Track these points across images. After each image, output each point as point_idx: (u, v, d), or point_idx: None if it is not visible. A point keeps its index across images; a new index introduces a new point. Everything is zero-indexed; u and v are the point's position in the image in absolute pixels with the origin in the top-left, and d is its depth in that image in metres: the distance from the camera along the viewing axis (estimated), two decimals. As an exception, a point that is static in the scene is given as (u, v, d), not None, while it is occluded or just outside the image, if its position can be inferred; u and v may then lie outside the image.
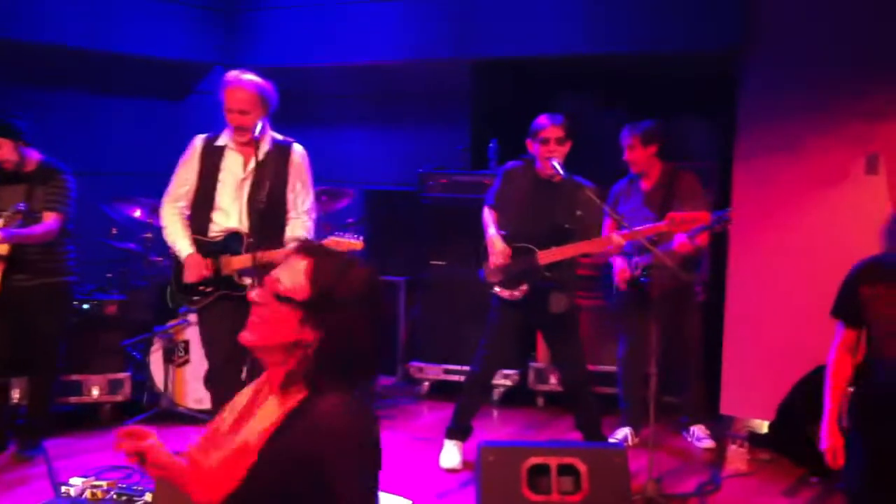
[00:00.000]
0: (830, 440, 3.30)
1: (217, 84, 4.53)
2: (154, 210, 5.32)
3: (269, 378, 2.12)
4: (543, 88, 6.84)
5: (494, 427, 5.76)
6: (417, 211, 6.47)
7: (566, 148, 4.76)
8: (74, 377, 5.45)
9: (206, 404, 5.52)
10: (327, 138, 7.36)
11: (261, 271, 4.23)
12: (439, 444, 5.01)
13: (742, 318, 5.64)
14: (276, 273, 2.09)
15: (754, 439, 5.30)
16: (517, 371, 6.13)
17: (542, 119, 4.79)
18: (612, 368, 5.86)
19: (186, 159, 4.41)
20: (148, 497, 3.89)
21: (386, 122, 7.28)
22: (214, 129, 4.50)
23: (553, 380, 5.98)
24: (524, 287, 4.78)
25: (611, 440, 5.29)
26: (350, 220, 6.23)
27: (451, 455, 4.95)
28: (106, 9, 6.20)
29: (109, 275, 6.00)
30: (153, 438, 2.14)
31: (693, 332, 5.45)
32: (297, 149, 4.45)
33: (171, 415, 5.52)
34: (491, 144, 6.37)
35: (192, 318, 5.40)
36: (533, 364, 6.13)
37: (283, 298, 2.05)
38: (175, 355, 5.67)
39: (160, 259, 5.83)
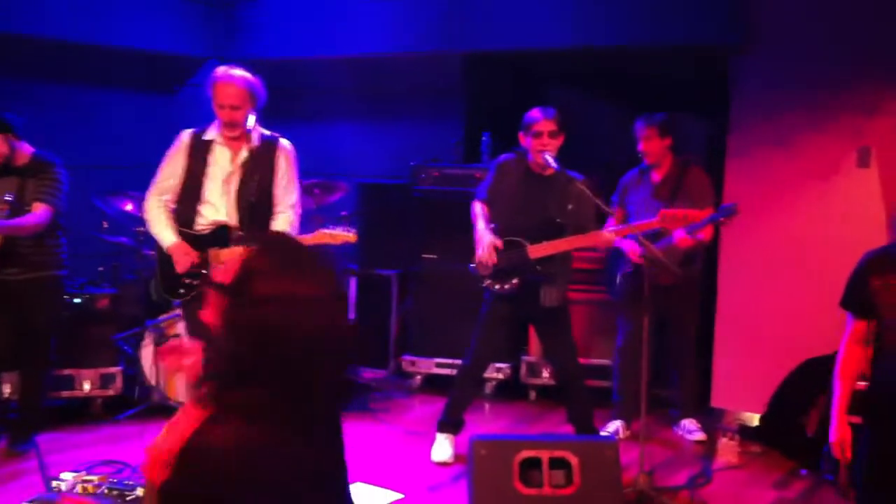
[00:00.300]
0: (839, 433, 3.27)
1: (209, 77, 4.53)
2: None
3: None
4: (536, 82, 6.85)
5: (486, 420, 5.77)
6: (410, 204, 6.46)
7: (559, 141, 4.77)
8: (66, 371, 5.44)
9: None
10: (320, 131, 7.35)
11: None
12: (431, 438, 5.02)
13: (733, 311, 5.67)
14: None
15: (745, 432, 5.32)
16: (509, 365, 6.14)
17: (535, 112, 4.79)
18: (605, 362, 5.90)
19: (173, 153, 4.43)
20: (139, 491, 3.89)
21: (379, 115, 7.27)
22: (207, 122, 4.50)
23: (545, 373, 5.99)
24: (515, 281, 4.79)
25: (602, 433, 5.31)
26: (343, 214, 6.23)
27: (442, 448, 4.96)
28: (98, 2, 6.18)
29: (101, 268, 5.99)
30: None
31: (691, 326, 5.47)
32: (285, 143, 4.47)
33: (162, 409, 5.50)
34: (483, 138, 6.37)
35: (184, 312, 5.40)
36: (525, 358, 6.14)
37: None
38: (167, 349, 5.66)
39: (152, 253, 5.81)
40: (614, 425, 5.42)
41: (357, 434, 5.06)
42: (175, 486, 1.74)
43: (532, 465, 3.94)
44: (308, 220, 5.74)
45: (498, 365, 6.07)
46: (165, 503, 1.75)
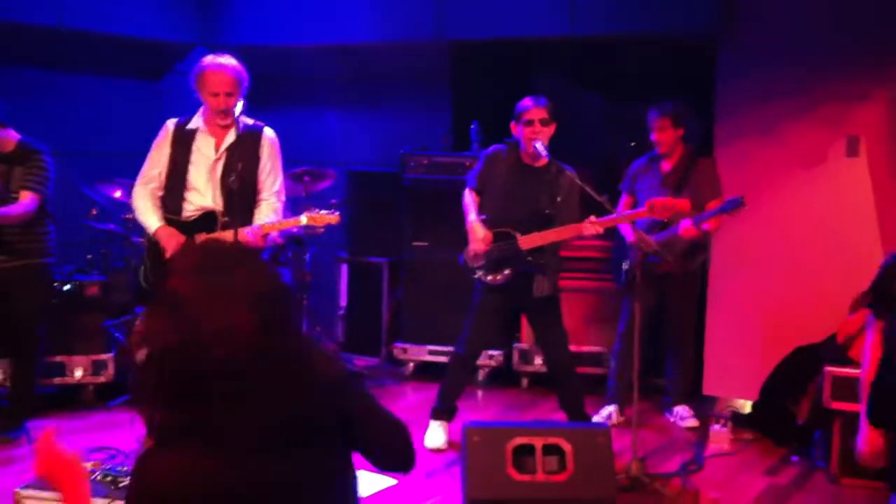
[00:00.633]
0: (870, 444, 3.18)
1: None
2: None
3: None
4: (524, 71, 6.83)
5: (479, 407, 5.78)
6: (400, 192, 6.45)
7: (550, 130, 4.77)
8: (57, 359, 5.42)
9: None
10: (309, 119, 7.33)
11: None
12: (424, 425, 5.02)
13: (724, 299, 5.68)
14: None
15: (737, 419, 5.34)
16: (501, 352, 6.15)
17: (526, 101, 4.79)
18: (598, 349, 5.93)
19: (158, 143, 4.49)
20: (132, 478, 3.88)
21: (368, 102, 7.25)
22: (195, 109, 4.53)
23: (537, 361, 6.00)
24: (507, 272, 4.80)
25: (595, 418, 5.34)
26: (333, 201, 6.20)
27: (436, 435, 4.96)
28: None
29: (90, 256, 5.96)
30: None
31: (690, 314, 5.49)
32: (268, 132, 4.53)
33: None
34: (473, 126, 6.36)
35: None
36: (517, 345, 6.14)
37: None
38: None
39: (142, 240, 5.79)
40: (608, 410, 5.44)
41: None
42: None
43: (525, 451, 3.95)
44: (297, 208, 5.72)
45: (490, 352, 6.07)
46: None
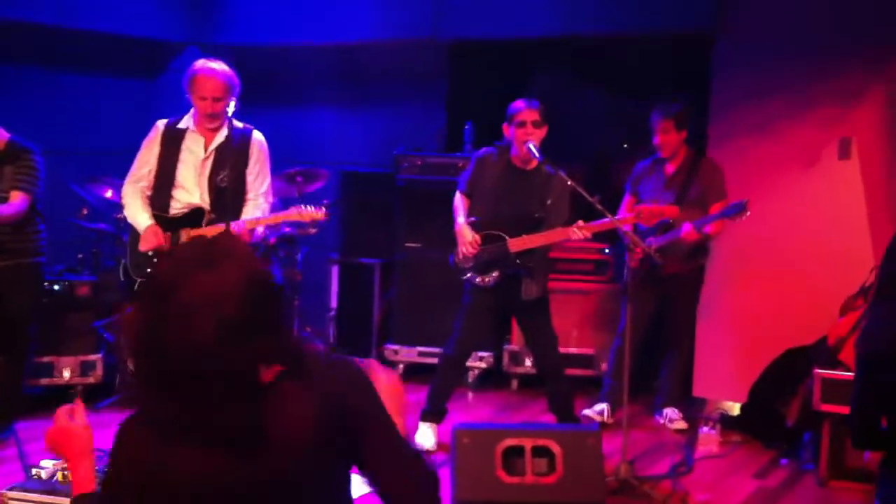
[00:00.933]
0: None
1: (190, 64, 4.57)
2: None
3: None
4: (520, 71, 6.83)
5: (469, 409, 5.78)
6: (392, 193, 6.44)
7: (542, 132, 4.77)
8: (46, 359, 5.40)
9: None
10: (302, 119, 7.31)
11: None
12: (414, 427, 5.02)
13: (714, 300, 5.68)
14: None
15: (726, 421, 5.35)
16: (492, 354, 6.15)
17: (519, 103, 4.80)
18: (589, 351, 5.94)
19: (148, 142, 4.56)
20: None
21: (361, 102, 7.24)
22: (188, 108, 4.57)
23: (528, 362, 6.00)
24: (496, 274, 4.81)
25: (587, 412, 5.37)
26: (325, 202, 6.18)
27: (425, 437, 4.96)
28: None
29: (80, 255, 5.94)
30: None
31: (689, 317, 5.49)
32: (257, 135, 4.60)
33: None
34: (466, 127, 6.35)
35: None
36: (507, 347, 6.14)
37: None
38: (147, 337, 5.62)
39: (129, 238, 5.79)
40: (601, 406, 5.44)
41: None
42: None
43: (515, 453, 3.94)
44: (289, 208, 5.71)
45: (480, 354, 6.08)
46: None
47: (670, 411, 5.51)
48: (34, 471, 4.01)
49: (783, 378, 5.11)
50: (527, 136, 4.72)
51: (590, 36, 5.96)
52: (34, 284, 5.05)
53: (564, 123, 5.06)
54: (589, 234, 4.72)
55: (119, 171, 5.67)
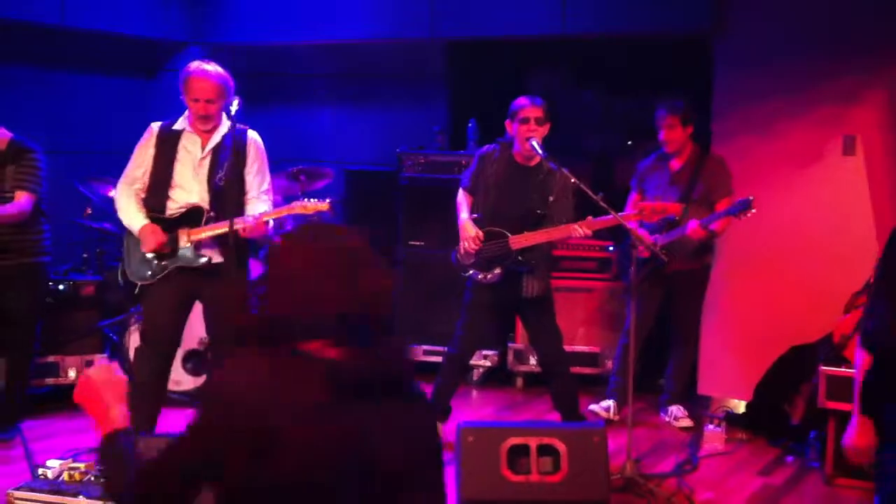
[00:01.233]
0: (860, 440, 3.01)
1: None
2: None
3: None
4: (520, 69, 6.83)
5: (473, 407, 5.78)
6: (395, 191, 6.45)
7: (545, 129, 4.77)
8: (51, 358, 5.40)
9: (185, 385, 5.51)
10: (305, 117, 7.32)
11: (222, 242, 4.33)
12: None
13: (718, 298, 5.67)
14: None
15: (731, 419, 5.34)
16: (496, 352, 6.15)
17: (522, 100, 4.80)
18: (593, 349, 5.94)
19: (142, 144, 4.51)
20: (126, 479, 3.87)
21: (364, 101, 7.25)
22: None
23: (532, 360, 6.00)
24: (498, 270, 4.81)
25: (593, 407, 5.38)
26: (329, 199, 6.19)
27: (430, 435, 4.95)
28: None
29: (85, 255, 5.95)
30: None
31: (695, 314, 5.49)
32: (253, 134, 4.57)
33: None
34: (470, 125, 6.35)
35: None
36: (512, 345, 6.14)
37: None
38: (152, 336, 5.62)
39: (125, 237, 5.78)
40: (607, 403, 5.45)
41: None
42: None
43: (520, 452, 3.93)
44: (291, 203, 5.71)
45: (485, 352, 6.08)
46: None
47: (675, 409, 5.50)
48: (40, 470, 4.01)
49: (788, 376, 5.11)
50: (529, 133, 4.72)
51: (590, 35, 5.96)
52: (38, 284, 5.05)
53: (563, 122, 5.05)
54: (590, 232, 4.72)
55: (122, 170, 5.68)
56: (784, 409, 5.04)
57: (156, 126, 4.53)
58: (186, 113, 4.48)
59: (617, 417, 5.38)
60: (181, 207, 4.43)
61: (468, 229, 4.83)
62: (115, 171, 5.83)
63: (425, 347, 6.27)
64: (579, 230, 4.68)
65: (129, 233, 4.46)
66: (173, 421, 5.09)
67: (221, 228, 4.32)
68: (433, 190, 6.18)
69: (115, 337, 5.68)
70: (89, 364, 5.51)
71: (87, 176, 5.93)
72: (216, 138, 4.46)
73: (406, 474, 1.93)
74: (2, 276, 4.82)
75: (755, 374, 5.30)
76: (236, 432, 1.78)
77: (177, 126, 4.49)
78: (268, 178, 4.61)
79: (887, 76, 5.24)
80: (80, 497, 3.76)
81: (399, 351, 2.01)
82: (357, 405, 1.86)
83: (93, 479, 3.92)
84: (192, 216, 4.42)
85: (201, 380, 5.54)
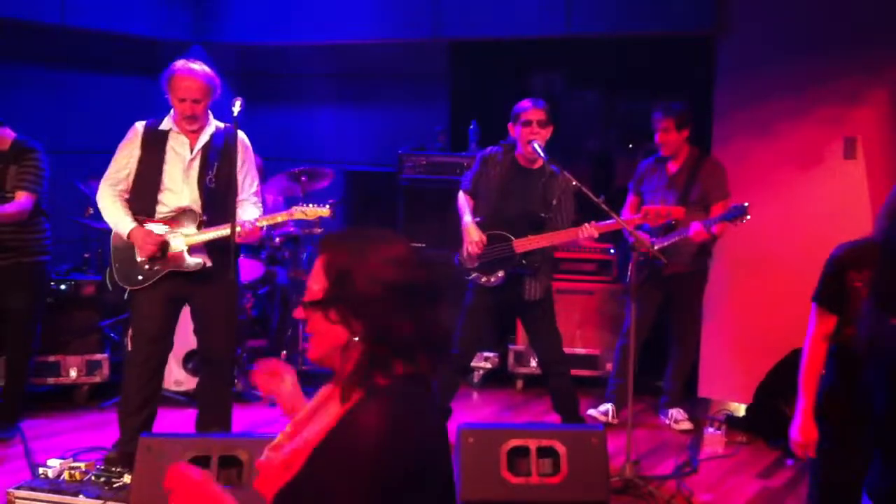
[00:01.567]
0: (804, 434, 3.16)
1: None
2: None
3: (334, 384, 1.96)
4: (521, 69, 6.84)
5: (474, 409, 5.78)
6: (396, 192, 6.45)
7: (548, 132, 4.78)
8: (52, 358, 5.41)
9: (186, 386, 5.51)
10: (306, 118, 7.33)
11: (213, 245, 4.29)
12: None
13: (719, 301, 5.68)
14: (307, 281, 1.98)
15: (731, 422, 5.34)
16: (497, 353, 6.15)
17: (525, 102, 4.81)
18: (593, 351, 5.94)
19: (126, 144, 4.40)
20: (126, 478, 3.88)
21: (365, 101, 7.25)
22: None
23: (532, 362, 6.00)
24: (500, 274, 4.81)
25: (592, 412, 5.37)
26: (330, 201, 6.19)
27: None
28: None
29: (86, 255, 5.95)
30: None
31: (695, 315, 5.49)
32: (241, 134, 4.46)
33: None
34: (471, 126, 6.36)
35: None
36: (512, 347, 6.14)
37: (308, 304, 1.92)
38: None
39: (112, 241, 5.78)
40: (605, 407, 5.44)
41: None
42: (309, 479, 1.82)
43: (520, 453, 3.95)
44: (291, 207, 5.71)
45: (485, 354, 6.08)
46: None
47: (675, 412, 5.51)
48: (41, 469, 4.03)
49: (788, 379, 5.10)
50: (532, 136, 4.72)
51: (591, 35, 5.97)
52: (36, 283, 5.04)
53: (566, 122, 5.06)
54: (596, 235, 4.73)
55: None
56: (784, 411, 5.03)
57: (140, 126, 4.42)
58: (172, 112, 4.38)
59: (616, 421, 5.38)
60: (171, 211, 4.33)
61: (472, 233, 4.83)
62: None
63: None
64: (585, 233, 4.69)
65: (116, 236, 4.37)
66: (173, 421, 5.11)
67: (218, 233, 4.27)
68: (434, 191, 6.18)
69: (115, 336, 5.68)
70: (92, 365, 5.53)
71: (89, 175, 5.93)
72: (204, 138, 4.37)
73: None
74: (1, 276, 4.82)
75: (755, 377, 5.30)
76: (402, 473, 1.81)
77: (163, 126, 4.39)
78: (257, 178, 4.54)
79: (888, 77, 5.24)
80: (80, 496, 3.78)
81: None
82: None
83: (93, 478, 3.93)
84: (185, 219, 4.33)
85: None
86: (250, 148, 4.52)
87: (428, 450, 1.87)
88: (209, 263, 4.35)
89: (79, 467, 3.98)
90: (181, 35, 6.92)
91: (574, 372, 5.21)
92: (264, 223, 4.37)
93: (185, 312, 4.54)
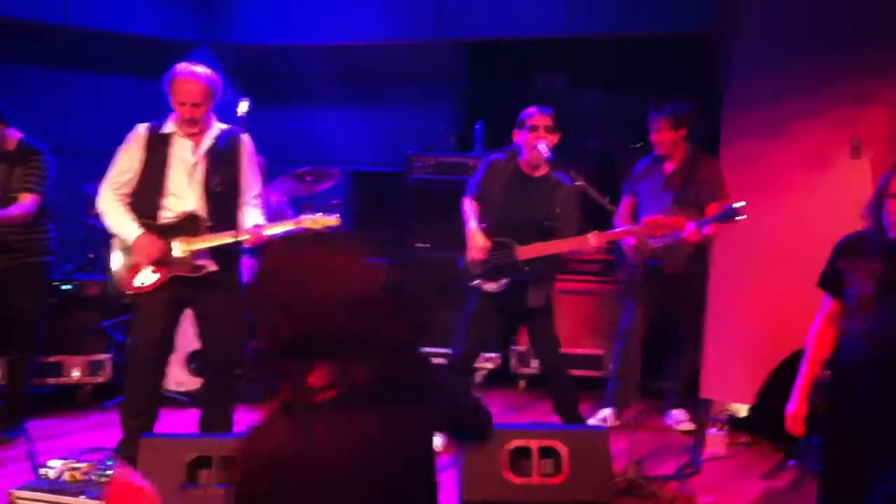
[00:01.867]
0: (796, 408, 3.37)
1: (202, 62, 4.52)
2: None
3: None
4: (526, 69, 6.84)
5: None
6: (403, 192, 6.45)
7: (554, 138, 4.80)
8: (54, 358, 5.42)
9: (188, 386, 5.52)
10: (312, 118, 7.33)
11: (217, 251, 4.28)
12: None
13: (723, 301, 5.66)
14: None
15: (734, 423, 5.33)
16: (499, 354, 6.15)
17: (531, 109, 4.84)
18: (597, 352, 5.93)
19: (128, 146, 4.37)
20: (128, 479, 3.88)
21: (370, 102, 7.26)
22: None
23: (535, 363, 5.99)
24: (503, 280, 4.83)
25: (591, 420, 5.34)
26: (334, 202, 6.21)
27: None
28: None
29: (90, 255, 5.96)
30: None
31: (694, 317, 5.48)
32: (245, 136, 4.44)
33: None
34: (477, 126, 6.36)
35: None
36: (515, 347, 6.14)
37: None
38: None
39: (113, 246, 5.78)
40: (604, 413, 5.43)
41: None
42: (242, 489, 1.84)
43: (522, 454, 3.95)
44: (299, 208, 5.71)
45: (488, 354, 6.08)
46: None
47: (678, 413, 5.50)
48: (42, 470, 4.03)
49: (792, 380, 5.08)
50: (538, 140, 4.73)
51: (596, 35, 5.97)
52: (40, 283, 5.05)
53: (570, 122, 5.05)
54: (602, 245, 4.74)
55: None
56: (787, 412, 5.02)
57: (142, 128, 4.39)
58: (173, 115, 4.35)
59: (618, 422, 5.37)
60: (175, 216, 4.30)
61: (476, 239, 4.84)
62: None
63: (431, 349, 6.26)
64: (591, 242, 4.69)
65: (118, 240, 4.35)
66: (176, 421, 5.12)
67: (223, 239, 4.26)
68: (441, 191, 6.17)
69: (119, 337, 5.69)
70: (95, 365, 5.54)
71: (93, 176, 5.93)
72: (207, 142, 4.34)
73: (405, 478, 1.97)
74: (4, 276, 4.83)
75: (758, 378, 5.28)
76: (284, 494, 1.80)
77: (165, 129, 4.36)
78: (259, 181, 4.51)
79: (894, 79, 5.22)
80: (82, 497, 3.78)
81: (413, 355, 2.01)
82: (369, 415, 1.89)
83: (94, 478, 3.94)
84: (188, 224, 4.30)
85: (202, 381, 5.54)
86: (253, 150, 4.50)
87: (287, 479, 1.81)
88: (213, 268, 4.34)
89: (80, 468, 3.99)
90: (185, 35, 6.92)
91: (577, 373, 5.22)
92: (271, 232, 4.31)
93: (188, 313, 4.54)
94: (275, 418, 1.85)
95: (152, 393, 4.40)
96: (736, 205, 4.84)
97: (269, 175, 5.78)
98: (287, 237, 2.04)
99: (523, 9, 6.01)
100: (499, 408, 5.84)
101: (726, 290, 5.65)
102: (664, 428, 5.48)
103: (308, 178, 6.12)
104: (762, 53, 5.51)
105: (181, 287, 4.31)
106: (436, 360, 5.94)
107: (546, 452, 3.95)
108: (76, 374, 5.50)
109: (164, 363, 4.47)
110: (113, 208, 4.32)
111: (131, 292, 4.34)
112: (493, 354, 6.12)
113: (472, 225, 4.90)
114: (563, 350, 5.05)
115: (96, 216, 5.86)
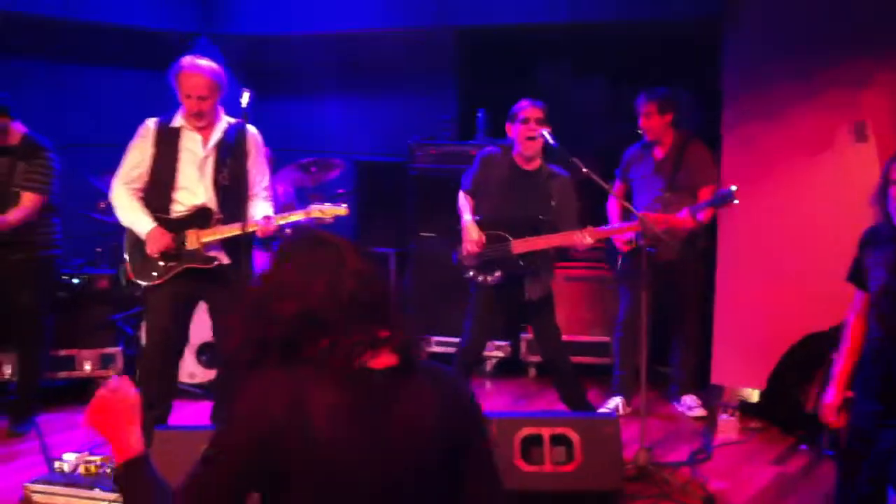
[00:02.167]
0: (833, 399, 3.40)
1: (204, 53, 4.53)
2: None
3: None
4: (527, 57, 6.82)
5: (487, 398, 5.78)
6: (406, 182, 6.44)
7: (546, 131, 4.77)
8: (66, 352, 5.44)
9: (199, 378, 5.54)
10: (316, 108, 7.32)
11: (228, 243, 4.30)
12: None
13: (732, 287, 5.66)
14: None
15: (745, 408, 5.34)
16: (509, 342, 6.15)
17: (523, 102, 4.85)
18: (603, 339, 5.92)
19: (138, 141, 4.39)
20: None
21: (372, 91, 7.25)
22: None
23: (543, 352, 6.00)
24: (498, 273, 4.83)
25: (602, 410, 5.34)
26: (340, 191, 6.21)
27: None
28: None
29: (99, 249, 5.97)
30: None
31: (693, 302, 5.47)
32: (252, 129, 4.46)
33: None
34: (479, 114, 6.35)
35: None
36: (524, 335, 6.14)
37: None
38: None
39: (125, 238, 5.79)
40: (614, 402, 5.43)
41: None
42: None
43: (533, 442, 3.95)
44: (304, 199, 5.72)
45: (498, 343, 6.08)
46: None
47: (689, 399, 5.50)
48: (56, 464, 4.05)
49: (802, 364, 5.09)
50: (530, 133, 4.73)
51: (598, 22, 5.95)
52: (48, 278, 5.07)
53: (573, 111, 5.05)
54: (592, 241, 4.74)
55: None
56: (798, 397, 5.02)
57: (152, 122, 4.41)
58: (181, 109, 4.37)
59: (628, 410, 5.37)
60: (186, 209, 4.33)
61: (471, 232, 4.84)
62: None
63: (437, 339, 6.28)
64: (582, 239, 4.69)
65: (131, 233, 4.38)
66: (189, 413, 5.13)
67: (233, 231, 4.28)
68: (444, 181, 6.15)
69: (129, 330, 5.70)
70: (106, 359, 5.56)
71: (102, 169, 5.94)
72: (216, 135, 4.37)
73: (460, 445, 1.98)
74: (12, 271, 4.84)
75: (769, 364, 5.28)
76: (272, 445, 1.80)
77: (175, 123, 4.38)
78: (268, 173, 4.54)
79: (894, 63, 5.20)
80: (96, 489, 3.80)
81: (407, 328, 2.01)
82: (383, 391, 1.90)
83: (108, 471, 3.95)
84: (199, 217, 4.33)
85: (214, 372, 5.55)
86: (261, 142, 4.52)
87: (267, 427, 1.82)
88: (225, 261, 4.36)
89: (94, 461, 4.00)
90: (187, 27, 6.91)
91: (584, 360, 5.23)
92: (280, 222, 4.35)
93: (200, 304, 4.55)
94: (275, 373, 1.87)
95: (166, 384, 4.42)
96: (729, 189, 4.83)
97: (274, 165, 5.78)
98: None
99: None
100: (509, 396, 5.85)
101: (735, 276, 5.64)
102: (675, 414, 5.49)
103: (313, 169, 6.12)
104: (762, 37, 5.49)
105: (194, 280, 4.33)
106: (446, 350, 5.98)
107: (558, 440, 3.95)
108: (87, 367, 5.52)
109: (179, 355, 4.48)
110: (126, 203, 4.34)
111: (144, 285, 4.36)
112: (502, 343, 6.12)
113: (467, 218, 4.91)
114: (570, 338, 5.05)
115: (102, 210, 5.90)
